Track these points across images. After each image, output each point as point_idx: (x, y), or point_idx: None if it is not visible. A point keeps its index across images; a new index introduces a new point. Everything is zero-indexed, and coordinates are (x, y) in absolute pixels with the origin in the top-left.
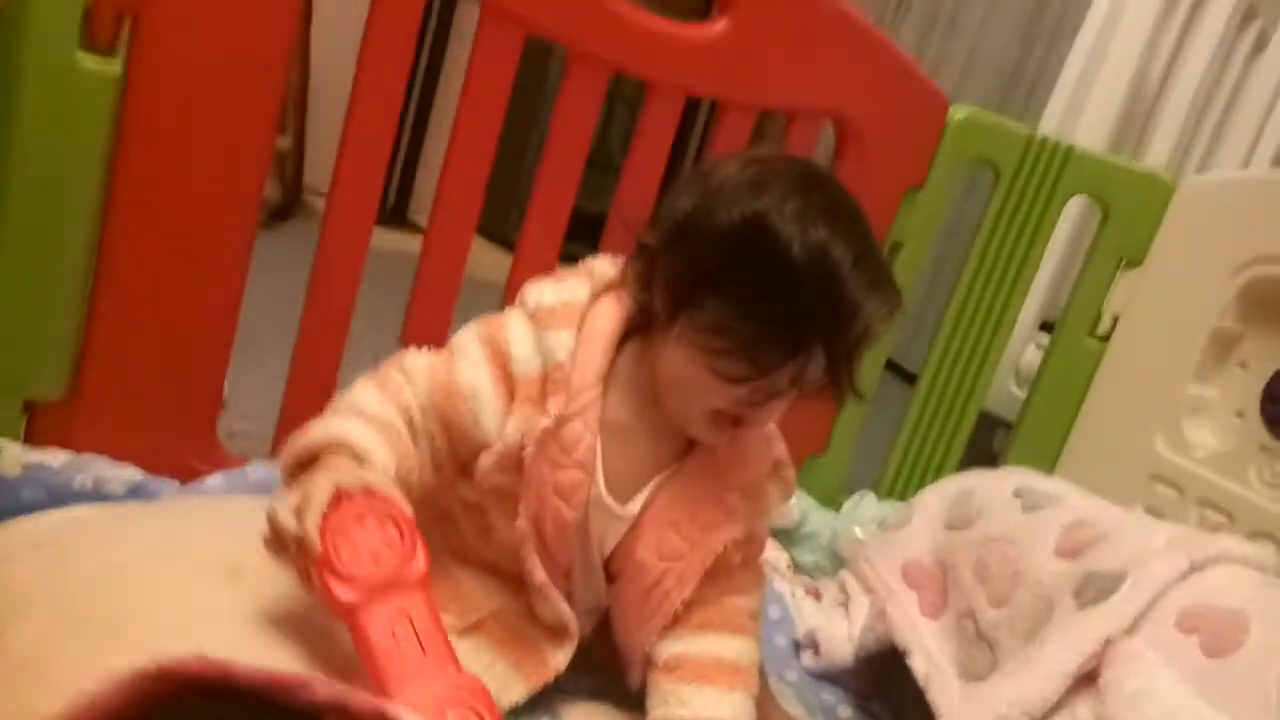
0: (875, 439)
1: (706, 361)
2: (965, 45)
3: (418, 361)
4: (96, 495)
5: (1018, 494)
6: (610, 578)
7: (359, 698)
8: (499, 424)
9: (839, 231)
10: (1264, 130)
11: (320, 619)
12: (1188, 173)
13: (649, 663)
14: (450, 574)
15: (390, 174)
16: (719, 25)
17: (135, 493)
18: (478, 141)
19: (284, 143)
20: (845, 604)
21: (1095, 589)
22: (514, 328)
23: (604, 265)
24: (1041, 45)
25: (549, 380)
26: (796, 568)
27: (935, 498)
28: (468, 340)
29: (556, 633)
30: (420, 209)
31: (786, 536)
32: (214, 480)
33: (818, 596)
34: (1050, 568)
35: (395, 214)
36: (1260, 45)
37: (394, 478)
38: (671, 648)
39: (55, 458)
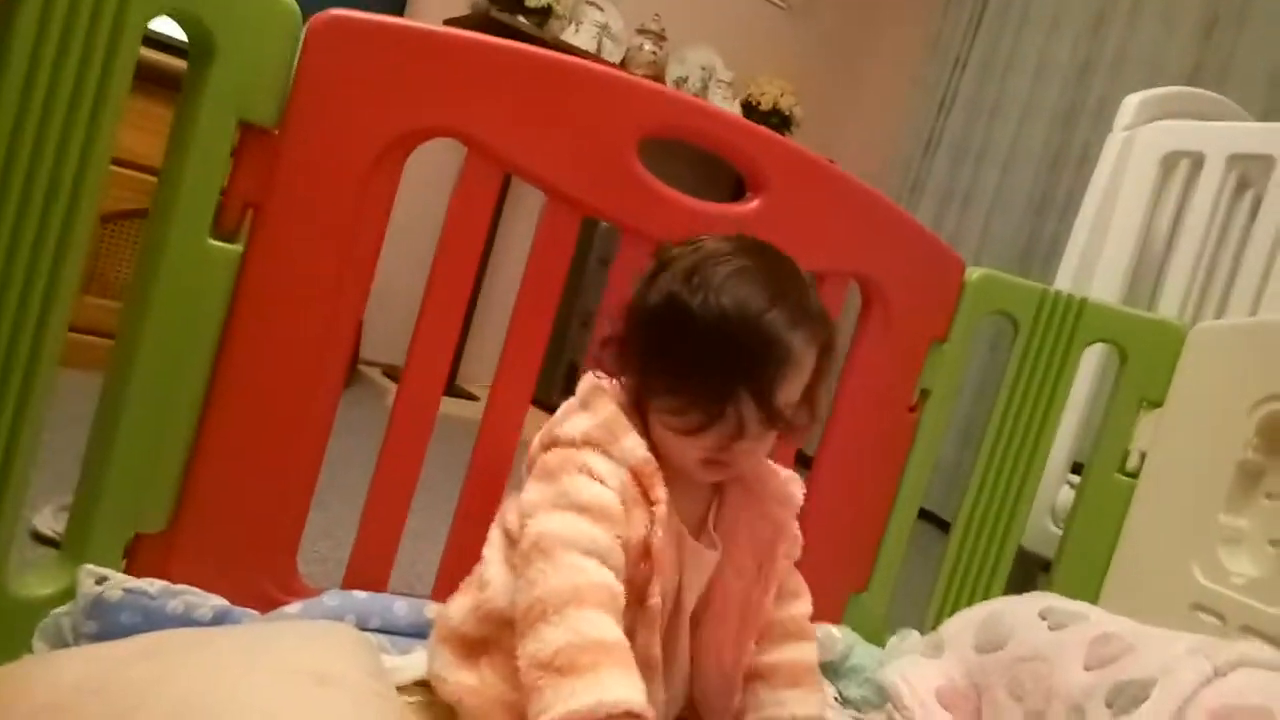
0: (918, 584)
1: (667, 423)
2: (979, 221)
3: (579, 527)
4: (187, 620)
5: (1043, 615)
6: (695, 625)
7: None
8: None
9: (742, 289)
10: (1264, 285)
11: (399, 718)
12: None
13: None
14: None
15: None
16: (753, 204)
17: (220, 619)
18: (537, 317)
19: None
20: None
21: (1126, 698)
22: (584, 456)
23: (595, 381)
24: (1053, 219)
25: (642, 475)
26: (844, 702)
27: (963, 624)
28: (569, 484)
29: None
30: (469, 377)
31: (832, 670)
32: (293, 607)
33: None
34: (1081, 680)
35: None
36: (1255, 211)
37: None
38: (760, 659)
39: (152, 585)
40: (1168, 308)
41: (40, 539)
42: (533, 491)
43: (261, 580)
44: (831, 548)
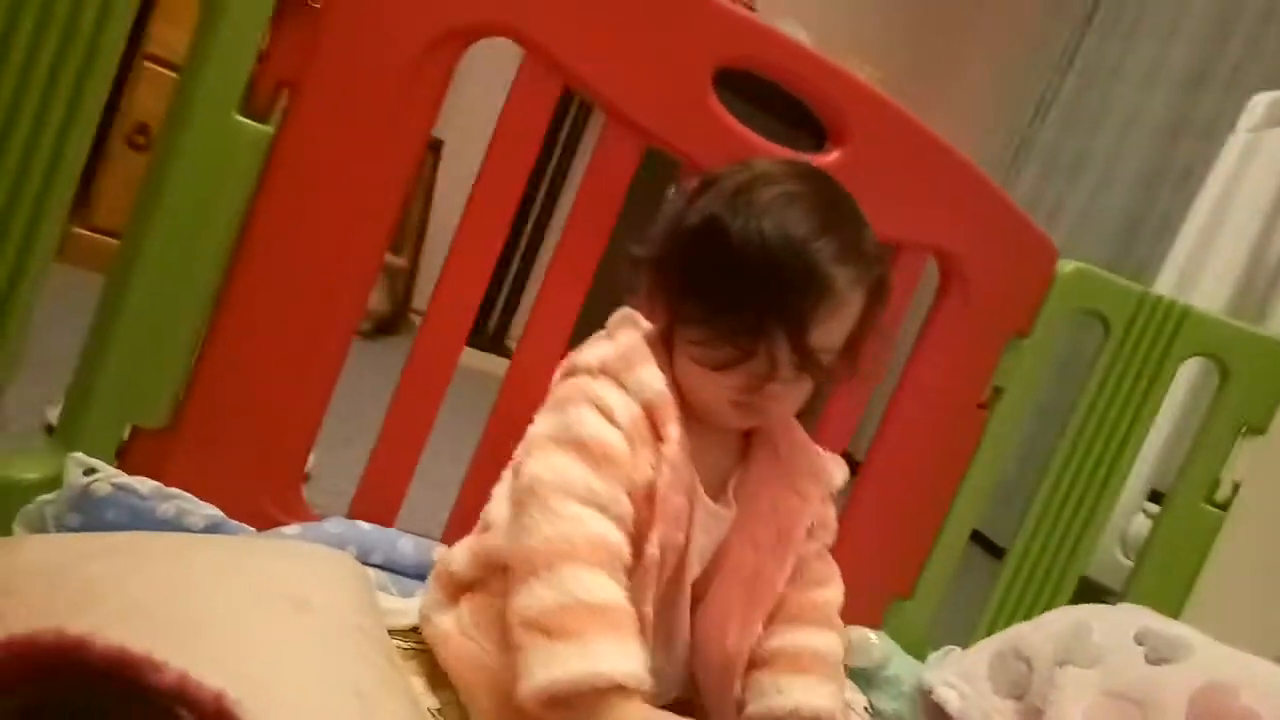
0: (962, 607)
1: (694, 356)
2: (1059, 237)
3: (575, 472)
4: (177, 526)
5: (1140, 640)
6: (698, 598)
7: (198, 685)
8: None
9: (787, 214)
10: None
11: (381, 656)
12: None
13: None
14: None
15: (494, 301)
16: (832, 155)
17: (213, 530)
18: (583, 252)
19: (400, 262)
20: None
21: None
22: (597, 386)
23: (628, 312)
24: (1146, 240)
25: (654, 410)
26: (874, 713)
27: (1040, 636)
28: (575, 417)
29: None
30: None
31: (866, 679)
32: (291, 529)
33: None
34: None
35: (495, 340)
36: None
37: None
38: (767, 644)
39: (144, 484)
40: (1278, 326)
41: (52, 431)
42: (540, 422)
43: (261, 496)
44: (875, 545)
